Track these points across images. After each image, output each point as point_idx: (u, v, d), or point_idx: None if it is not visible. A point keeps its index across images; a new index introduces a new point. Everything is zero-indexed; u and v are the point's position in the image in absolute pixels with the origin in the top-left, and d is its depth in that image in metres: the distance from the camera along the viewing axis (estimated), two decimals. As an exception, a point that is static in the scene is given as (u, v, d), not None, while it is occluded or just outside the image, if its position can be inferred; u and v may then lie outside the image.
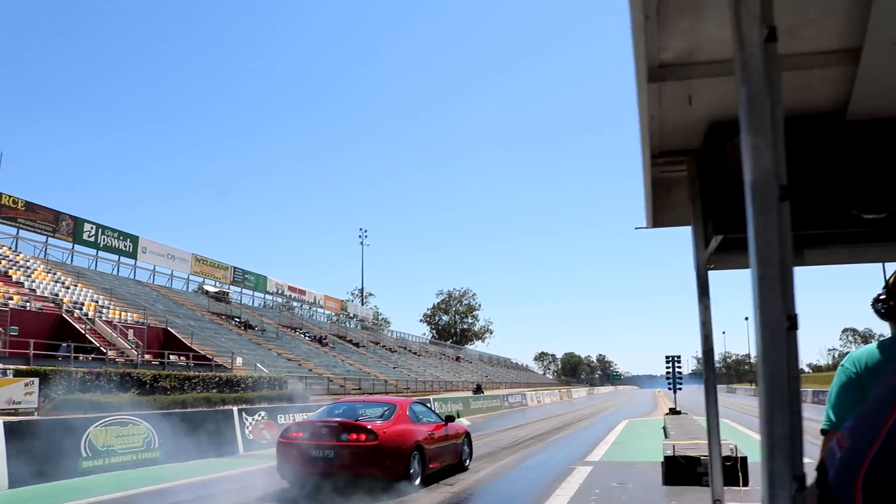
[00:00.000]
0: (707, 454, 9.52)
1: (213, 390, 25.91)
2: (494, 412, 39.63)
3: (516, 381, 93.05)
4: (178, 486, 11.53)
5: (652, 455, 14.92)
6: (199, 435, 15.09)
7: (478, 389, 48.48)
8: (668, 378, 27.25)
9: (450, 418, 12.91)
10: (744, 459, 10.86)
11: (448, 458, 12.29)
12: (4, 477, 10.87)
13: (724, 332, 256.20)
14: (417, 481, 10.70)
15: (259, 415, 17.51)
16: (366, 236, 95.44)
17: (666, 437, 15.00)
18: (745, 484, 10.58)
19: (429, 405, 13.63)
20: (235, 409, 16.94)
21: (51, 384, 20.97)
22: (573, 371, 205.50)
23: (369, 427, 10.29)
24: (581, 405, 52.88)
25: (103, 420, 12.95)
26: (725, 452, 11.30)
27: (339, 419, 10.66)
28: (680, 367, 27.04)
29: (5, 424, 11.18)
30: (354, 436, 10.14)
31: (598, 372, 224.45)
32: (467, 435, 13.57)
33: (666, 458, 11.10)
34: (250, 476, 12.68)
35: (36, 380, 20.14)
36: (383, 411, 11.25)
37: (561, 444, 18.37)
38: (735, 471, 10.72)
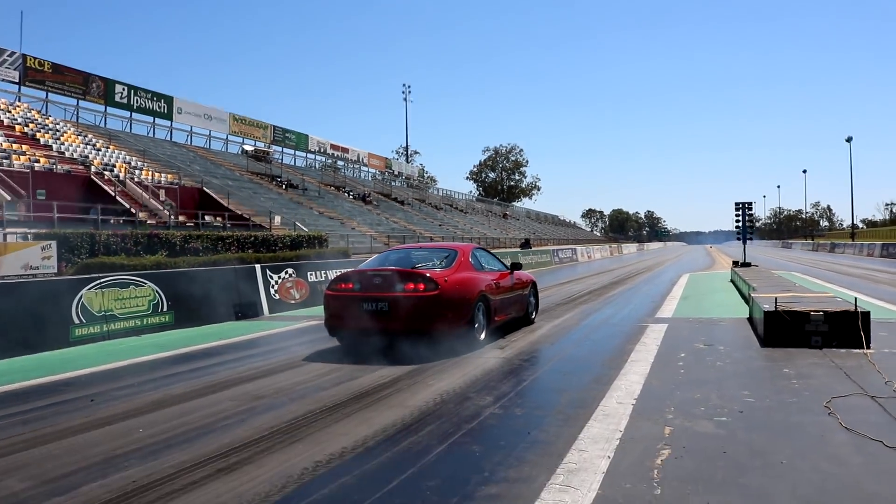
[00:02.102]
0: (818, 309, 7.31)
1: (249, 250, 24.50)
2: (544, 268, 38.05)
3: (564, 238, 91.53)
4: (194, 351, 10.04)
5: (732, 311, 12.94)
6: (214, 296, 13.54)
7: (525, 244, 46.67)
8: (737, 227, 24.76)
9: (515, 266, 11.64)
10: (866, 316, 8.64)
11: (514, 309, 11.20)
12: (-22, 348, 9.25)
13: (778, 187, 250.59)
14: (482, 336, 9.66)
15: (286, 272, 15.87)
16: (409, 92, 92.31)
17: (751, 290, 12.79)
18: (868, 346, 8.43)
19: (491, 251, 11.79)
20: (258, 265, 15.26)
21: (73, 248, 19.56)
22: (621, 228, 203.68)
23: (428, 275, 9.06)
24: (633, 260, 51.07)
25: (98, 282, 11.21)
26: (841, 307, 9.07)
27: (393, 267, 9.40)
28: (751, 214, 24.49)
29: (-27, 288, 9.44)
30: (412, 285, 8.94)
31: (646, 228, 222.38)
32: (533, 285, 12.41)
33: (766, 313, 8.90)
34: (282, 338, 11.28)
35: (53, 243, 18.65)
36: (443, 258, 10.09)
37: (622, 300, 16.44)
38: (856, 330, 8.54)
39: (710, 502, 3.82)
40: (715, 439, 4.94)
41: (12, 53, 37.90)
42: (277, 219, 33.96)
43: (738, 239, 25.37)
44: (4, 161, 27.13)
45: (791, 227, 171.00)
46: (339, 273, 17.33)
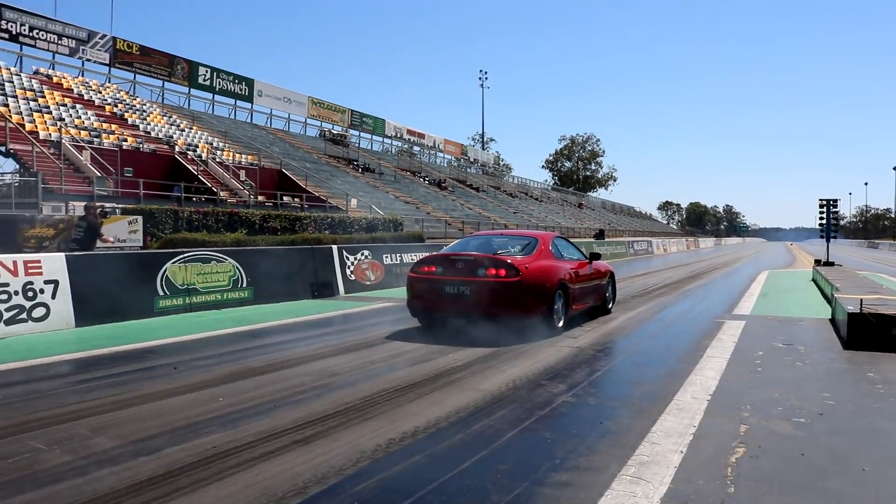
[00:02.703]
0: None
1: (326, 231, 24.96)
2: (619, 259, 37.62)
3: (639, 230, 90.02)
4: (271, 326, 10.35)
5: (813, 311, 12.56)
6: (293, 275, 13.90)
7: (599, 235, 46.12)
8: (821, 225, 23.90)
9: (594, 256, 11.79)
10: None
11: (592, 299, 11.36)
12: (70, 315, 9.69)
13: (866, 184, 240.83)
14: (560, 323, 9.77)
15: (362, 254, 16.12)
16: (486, 78, 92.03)
17: (834, 290, 12.37)
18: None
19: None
20: (335, 246, 15.51)
21: (158, 223, 20.29)
22: (698, 221, 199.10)
23: (510, 262, 9.26)
24: (710, 255, 49.92)
25: (181, 256, 11.60)
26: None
27: (476, 253, 9.76)
28: (836, 212, 23.62)
29: (67, 258, 9.88)
30: (493, 271, 9.17)
31: (724, 223, 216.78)
32: (611, 275, 12.50)
33: (850, 315, 8.61)
34: (357, 317, 11.59)
35: (139, 217, 19.39)
36: (524, 245, 10.17)
37: (699, 295, 16.13)
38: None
39: None
40: (793, 440, 4.82)
41: (103, 36, 39.28)
42: (354, 201, 34.43)
43: (822, 237, 24.52)
44: (95, 139, 28.24)
45: (878, 227, 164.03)
46: (416, 257, 17.68)
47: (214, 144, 35.40)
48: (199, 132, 36.87)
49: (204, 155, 32.39)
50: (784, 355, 8.09)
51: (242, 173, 31.83)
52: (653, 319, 11.49)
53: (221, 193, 28.18)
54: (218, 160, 32.41)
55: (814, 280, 19.64)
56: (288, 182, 33.81)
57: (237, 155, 35.11)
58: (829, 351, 8.45)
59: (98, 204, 17.03)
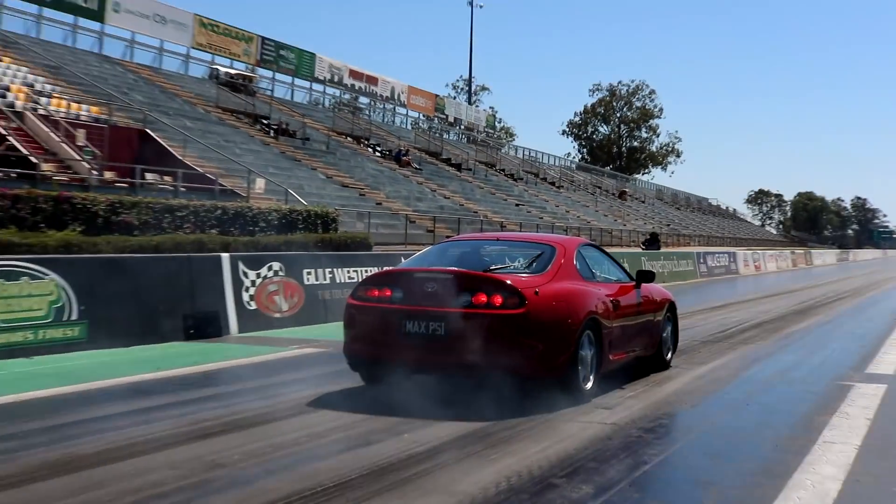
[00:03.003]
0: None
1: (213, 230, 24.72)
2: (683, 281, 37.92)
3: (717, 235, 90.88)
4: (116, 386, 10.20)
5: None
6: (155, 302, 13.76)
7: (652, 242, 46.28)
8: None
9: (644, 276, 11.79)
10: None
11: (640, 344, 11.38)
12: None
13: None
14: (589, 384, 9.64)
15: (270, 268, 16.06)
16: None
17: None
18: None
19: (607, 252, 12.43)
20: (226, 255, 15.42)
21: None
22: (812, 224, 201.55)
23: (510, 283, 9.16)
24: (830, 276, 50.55)
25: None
26: None
27: (456, 269, 9.66)
28: None
29: None
30: (483, 298, 9.01)
31: (854, 226, 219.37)
32: (671, 307, 12.66)
33: None
34: (260, 371, 11.63)
35: None
36: (532, 257, 10.20)
37: (811, 341, 16.29)
38: None
39: None
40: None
41: None
42: (260, 183, 34.23)
43: None
44: None
45: None
46: (357, 274, 17.50)
47: (37, 87, 35.07)
48: (12, 67, 36.52)
49: (19, 104, 32.08)
50: (952, 444, 8.09)
51: (82, 134, 31.44)
52: (736, 380, 11.53)
53: (44, 166, 27.85)
54: (42, 112, 32.07)
55: None
56: (156, 149, 33.50)
57: (74, 105, 34.82)
58: None
59: None
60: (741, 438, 8.24)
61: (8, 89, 33.26)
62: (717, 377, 11.72)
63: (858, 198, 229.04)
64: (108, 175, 30.11)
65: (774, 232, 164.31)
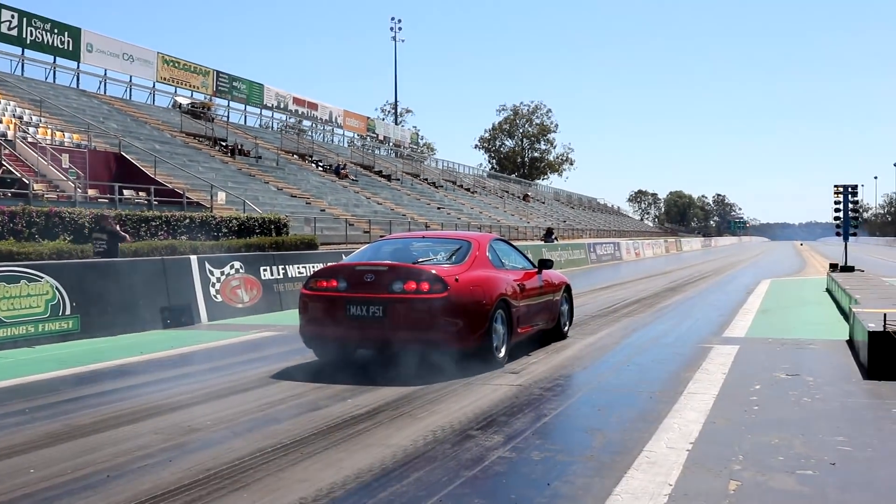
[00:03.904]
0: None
1: (182, 236, 24.58)
2: (577, 267, 38.23)
3: (605, 228, 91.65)
4: (106, 368, 10.25)
5: (827, 330, 13.06)
6: (137, 298, 13.77)
7: (548, 235, 46.60)
8: (837, 219, 24.76)
9: (545, 264, 12.07)
10: None
11: (542, 319, 11.68)
12: None
13: (895, 165, 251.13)
14: (501, 353, 9.96)
15: (231, 267, 16.06)
16: (399, 29, 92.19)
17: (852, 303, 12.84)
18: None
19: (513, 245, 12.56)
20: (195, 257, 15.38)
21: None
22: (681, 217, 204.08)
23: (434, 273, 9.46)
24: (696, 260, 51.28)
25: (-26, 275, 11.31)
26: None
27: (390, 262, 9.92)
28: (857, 201, 24.51)
29: None
30: (413, 285, 9.31)
31: (715, 218, 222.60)
32: (567, 289, 12.93)
33: (872, 335, 8.94)
34: (226, 352, 11.70)
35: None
36: (453, 251, 10.43)
37: (680, 312, 16.57)
38: None
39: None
40: (797, 499, 4.96)
41: None
42: (221, 196, 33.99)
43: (838, 234, 25.41)
44: None
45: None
46: (305, 270, 17.59)
47: (25, 118, 34.45)
48: (0, 102, 35.84)
49: (10, 133, 31.51)
50: (787, 389, 8.34)
51: (66, 158, 31.03)
52: (619, 346, 11.73)
53: (35, 186, 27.45)
54: (31, 140, 31.56)
55: (828, 290, 20.33)
56: (130, 169, 33.14)
57: (58, 133, 34.25)
58: (844, 382, 8.75)
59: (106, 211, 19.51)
60: (622, 393, 8.46)
61: (0, 121, 32.68)
62: (604, 344, 11.93)
63: (719, 195, 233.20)
64: (91, 192, 29.76)
65: (651, 225, 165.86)
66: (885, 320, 9.22)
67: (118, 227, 17.06)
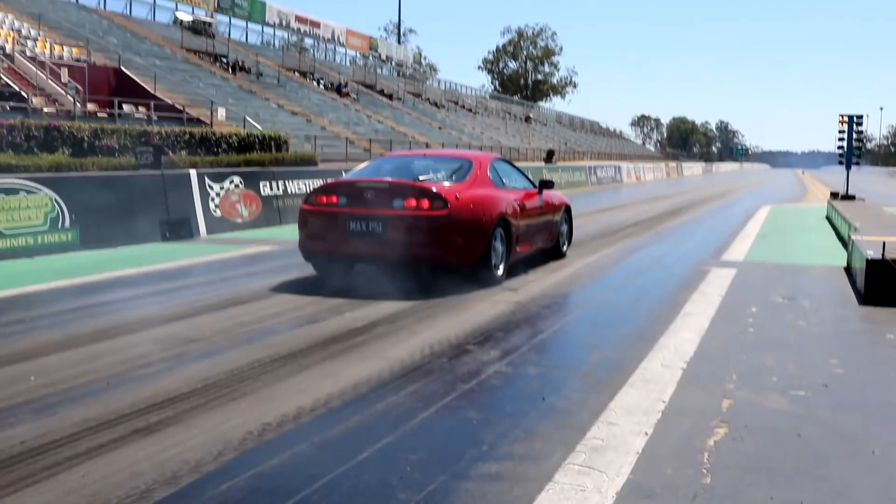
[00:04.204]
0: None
1: (183, 152, 24.46)
2: (578, 189, 38.21)
3: (606, 152, 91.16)
4: (106, 279, 10.28)
5: (825, 256, 13.10)
6: (136, 211, 13.77)
7: (549, 157, 46.44)
8: (840, 148, 24.64)
9: (545, 184, 12.07)
10: None
11: (541, 239, 11.71)
12: None
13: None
14: (500, 271, 10.02)
15: (231, 181, 16.05)
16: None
17: (852, 230, 12.83)
18: None
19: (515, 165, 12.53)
20: (194, 171, 15.35)
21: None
22: (683, 142, 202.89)
23: (435, 190, 9.46)
24: (697, 185, 51.17)
25: (-26, 185, 11.30)
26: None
27: (391, 179, 9.89)
28: (861, 131, 24.36)
29: None
30: (413, 202, 9.32)
31: (717, 144, 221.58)
32: (567, 209, 12.92)
33: (869, 262, 8.96)
34: (225, 265, 11.74)
35: None
36: (454, 170, 10.39)
37: (679, 235, 16.60)
38: None
39: (774, 498, 3.88)
40: (788, 418, 5.01)
41: None
42: (221, 112, 33.78)
43: (841, 163, 25.30)
44: None
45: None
46: (304, 186, 17.55)
47: (24, 32, 34.12)
48: (0, 15, 35.43)
49: (8, 47, 31.20)
50: (784, 312, 8.38)
51: (65, 72, 30.81)
52: (618, 266, 11.79)
53: (34, 100, 27.29)
54: (29, 54, 31.29)
55: (828, 218, 20.30)
56: (129, 85, 32.93)
57: (57, 47, 33.94)
58: (840, 307, 8.80)
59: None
60: (620, 312, 8.50)
61: (-1, 33, 32.37)
62: (602, 264, 11.98)
63: (721, 121, 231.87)
64: (91, 107, 29.60)
65: (653, 149, 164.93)
66: (883, 248, 9.22)
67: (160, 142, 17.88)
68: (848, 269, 11.17)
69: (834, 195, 24.30)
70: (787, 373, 5.99)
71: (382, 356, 6.34)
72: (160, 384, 5.58)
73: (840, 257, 12.58)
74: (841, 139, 24.62)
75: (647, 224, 19.11)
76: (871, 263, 8.97)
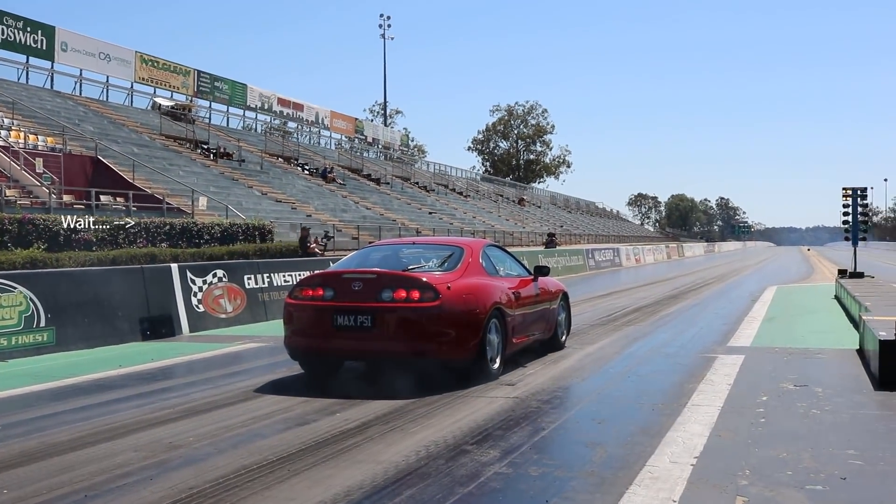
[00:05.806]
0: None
1: (163, 244, 24.57)
2: (575, 274, 38.25)
3: (604, 234, 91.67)
4: (84, 382, 10.21)
5: (836, 339, 13.12)
6: (115, 308, 13.72)
7: (550, 242, 46.76)
8: (845, 223, 24.81)
9: (541, 271, 12.11)
10: None
11: (538, 329, 11.60)
12: None
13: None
14: (496, 364, 9.89)
15: (214, 275, 16.01)
16: (388, 26, 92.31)
17: (862, 310, 12.87)
18: None
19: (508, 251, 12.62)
20: (176, 266, 15.34)
21: None
22: (683, 221, 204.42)
23: (425, 280, 9.37)
24: (699, 266, 51.33)
25: (-54, 284, 11.27)
26: None
27: (378, 269, 9.87)
28: (866, 204, 24.57)
29: None
30: (403, 293, 9.22)
31: (718, 222, 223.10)
32: (564, 297, 12.91)
33: (883, 343, 8.97)
34: (209, 365, 11.66)
35: None
36: (444, 257, 10.35)
37: (682, 321, 16.59)
38: None
39: None
40: (806, 515, 4.97)
41: None
42: (203, 201, 33.93)
43: (847, 239, 25.46)
44: None
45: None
46: (291, 278, 17.56)
47: (-3, 121, 34.43)
48: (-27, 104, 35.83)
49: (-19, 137, 31.48)
50: (796, 400, 8.35)
51: (39, 162, 30.97)
52: (620, 356, 11.74)
53: (8, 192, 27.40)
54: (2, 143, 31.52)
55: (837, 297, 20.38)
56: (107, 174, 33.09)
57: (31, 136, 34.19)
58: (855, 393, 8.77)
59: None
60: (623, 405, 8.44)
61: (-29, 124, 32.67)
62: (603, 354, 11.93)
63: (722, 198, 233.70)
64: (67, 198, 29.71)
65: (652, 229, 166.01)
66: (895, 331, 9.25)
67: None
68: (861, 352, 11.17)
69: (842, 273, 24.40)
70: (802, 466, 5.95)
71: (376, 459, 6.28)
72: (142, 495, 5.51)
73: (852, 339, 12.59)
74: (846, 213, 24.80)
75: (649, 309, 19.13)
76: (884, 345, 8.97)
